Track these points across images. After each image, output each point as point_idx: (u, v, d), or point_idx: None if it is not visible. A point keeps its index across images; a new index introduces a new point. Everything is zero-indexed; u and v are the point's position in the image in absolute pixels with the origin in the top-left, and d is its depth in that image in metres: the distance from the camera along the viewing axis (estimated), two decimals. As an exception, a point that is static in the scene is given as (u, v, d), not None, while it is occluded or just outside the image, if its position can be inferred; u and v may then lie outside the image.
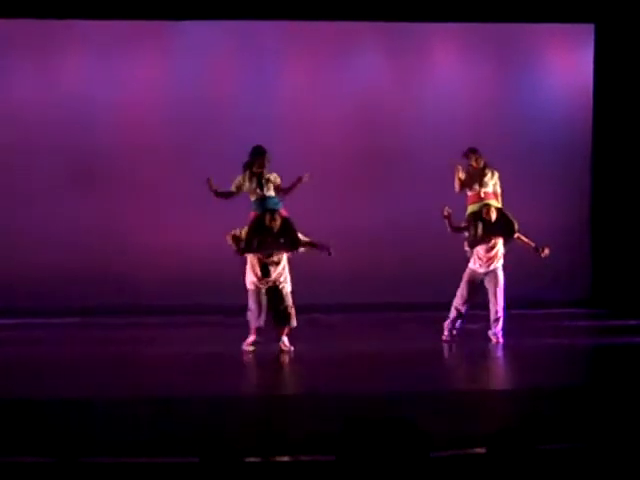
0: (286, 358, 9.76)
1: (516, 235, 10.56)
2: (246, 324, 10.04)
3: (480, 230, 10.33)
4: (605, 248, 13.98)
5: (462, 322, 10.51)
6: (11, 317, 12.31)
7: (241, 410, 7.53)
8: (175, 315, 12.58)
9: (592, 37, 13.89)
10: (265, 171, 10.12)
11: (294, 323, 9.90)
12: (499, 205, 10.64)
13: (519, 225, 10.67)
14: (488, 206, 10.48)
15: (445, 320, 10.54)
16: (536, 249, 10.61)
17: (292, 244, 9.90)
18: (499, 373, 9.65)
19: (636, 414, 6.83)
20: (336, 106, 13.69)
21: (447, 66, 13.98)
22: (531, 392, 7.89)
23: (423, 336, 11.08)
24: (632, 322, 12.33)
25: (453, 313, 10.45)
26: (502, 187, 10.83)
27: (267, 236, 9.81)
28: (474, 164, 10.67)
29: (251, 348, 9.93)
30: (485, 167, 10.69)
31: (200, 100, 13.49)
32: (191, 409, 7.49)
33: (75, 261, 13.14)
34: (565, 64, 14.06)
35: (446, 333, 10.48)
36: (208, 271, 12.70)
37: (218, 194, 10.13)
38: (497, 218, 10.45)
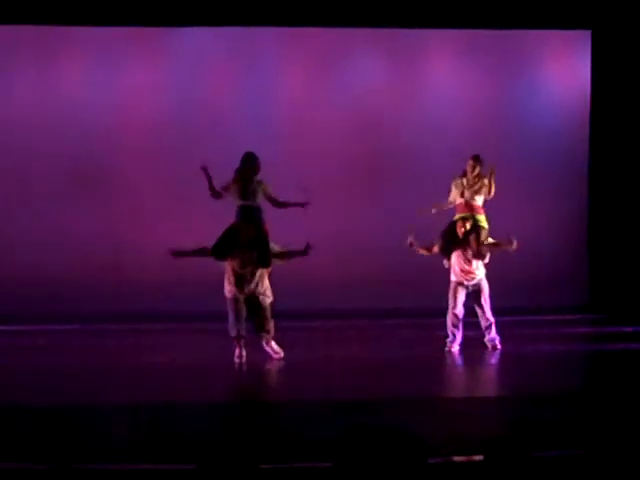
0: (278, 365, 9.69)
1: (483, 241, 10.39)
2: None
3: (449, 241, 10.29)
4: (603, 254, 13.99)
5: (460, 330, 10.41)
6: (8, 324, 12.28)
7: (238, 417, 7.51)
8: (174, 321, 12.56)
9: (589, 43, 13.91)
10: (255, 179, 9.91)
11: (271, 332, 9.70)
12: (478, 218, 10.48)
13: (488, 234, 10.52)
14: (464, 219, 10.36)
15: (445, 329, 10.47)
16: (508, 244, 10.47)
17: (263, 260, 9.61)
18: (496, 380, 9.63)
19: (633, 420, 6.82)
20: (334, 111, 13.70)
21: (445, 72, 14.00)
22: (528, 399, 7.88)
23: (420, 342, 11.07)
24: (630, 328, 12.32)
25: (449, 323, 10.39)
26: (495, 188, 10.67)
27: (238, 247, 9.57)
28: (469, 171, 10.55)
29: (238, 360, 9.74)
30: (478, 176, 10.56)
31: (199, 105, 13.51)
32: (188, 416, 7.48)
33: (74, 266, 13.14)
34: (562, 70, 14.08)
35: (449, 345, 10.37)
36: (208, 276, 12.67)
37: (211, 187, 9.87)
38: (468, 231, 10.31)
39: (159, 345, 11.17)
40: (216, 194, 9.93)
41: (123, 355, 10.47)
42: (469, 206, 10.47)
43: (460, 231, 10.31)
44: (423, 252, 10.50)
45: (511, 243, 10.43)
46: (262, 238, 9.65)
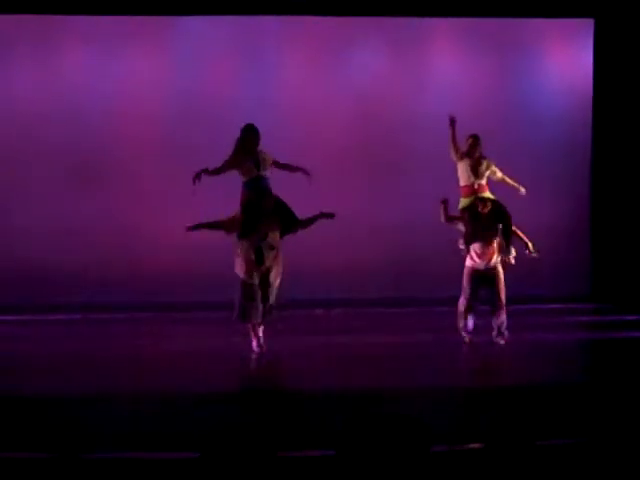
0: (280, 354, 9.67)
1: (513, 228, 10.36)
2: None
3: (476, 226, 10.08)
4: (606, 243, 13.97)
5: (474, 318, 10.33)
6: (13, 314, 12.30)
7: (241, 406, 7.53)
8: (178, 312, 12.56)
9: (592, 32, 13.87)
10: (260, 150, 9.73)
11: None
12: (492, 197, 10.41)
13: (513, 219, 10.45)
14: (482, 200, 10.21)
15: (455, 320, 10.42)
16: (527, 246, 10.40)
17: (291, 223, 9.55)
18: (499, 369, 9.64)
19: (636, 409, 6.83)
20: (336, 100, 13.69)
21: (446, 61, 13.97)
22: (531, 388, 7.89)
23: (423, 331, 11.06)
24: (633, 317, 12.32)
25: (461, 309, 10.28)
26: (502, 174, 10.63)
27: (262, 216, 9.40)
28: (471, 151, 10.43)
29: (257, 350, 9.61)
30: (480, 157, 10.51)
31: (200, 95, 13.49)
32: (192, 405, 7.49)
33: (76, 258, 13.14)
34: (565, 59, 14.05)
35: (463, 334, 10.30)
36: (211, 267, 12.69)
37: (208, 171, 9.56)
38: (491, 210, 10.17)
39: (167, 334, 11.19)
40: (217, 172, 9.62)
41: (132, 344, 10.48)
42: (481, 188, 10.36)
43: (485, 211, 10.08)
44: (447, 219, 10.22)
45: (534, 251, 10.35)
46: (283, 203, 9.54)
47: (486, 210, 10.10)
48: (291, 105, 13.67)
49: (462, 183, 10.51)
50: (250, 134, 9.65)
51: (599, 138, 13.95)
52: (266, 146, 13.10)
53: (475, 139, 10.52)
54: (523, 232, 10.64)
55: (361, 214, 13.38)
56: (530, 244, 10.50)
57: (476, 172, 10.44)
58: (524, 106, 14.03)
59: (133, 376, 8.77)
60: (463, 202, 10.43)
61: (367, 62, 13.84)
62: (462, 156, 10.49)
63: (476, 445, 5.50)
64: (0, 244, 13.18)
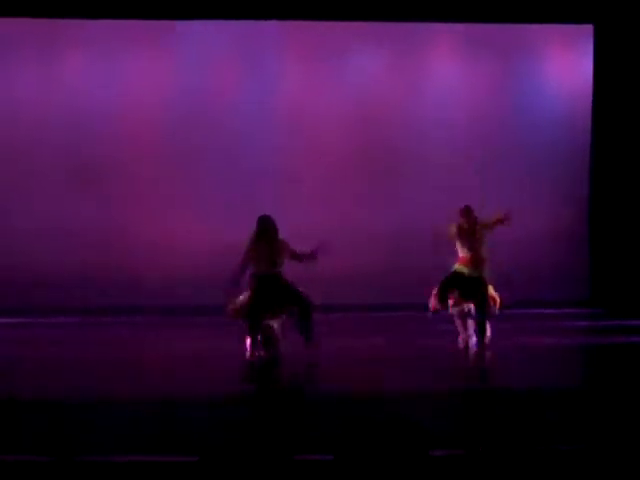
0: (282, 357, 9.68)
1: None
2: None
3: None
4: (604, 248, 13.98)
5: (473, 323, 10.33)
6: (13, 316, 12.31)
7: (240, 409, 7.52)
8: (178, 315, 12.57)
9: (591, 37, 13.89)
10: (278, 240, 9.48)
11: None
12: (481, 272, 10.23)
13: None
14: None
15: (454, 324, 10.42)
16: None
17: (296, 299, 9.51)
18: (497, 373, 9.63)
19: (635, 414, 6.83)
20: (335, 104, 13.71)
21: (445, 66, 13.99)
22: (529, 392, 7.88)
23: (421, 336, 11.06)
24: (630, 322, 12.33)
25: (457, 316, 10.30)
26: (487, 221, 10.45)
27: (267, 309, 9.44)
28: (465, 225, 10.20)
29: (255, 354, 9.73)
30: (475, 225, 10.25)
31: (201, 98, 13.51)
32: (190, 409, 7.49)
33: (77, 260, 13.15)
34: (564, 64, 14.07)
35: (461, 338, 10.31)
36: (210, 270, 12.69)
37: (235, 279, 9.44)
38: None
39: (168, 338, 11.19)
40: (241, 271, 9.50)
41: (132, 348, 10.48)
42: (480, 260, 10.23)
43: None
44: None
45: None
46: (290, 291, 9.43)
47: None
48: (291, 109, 13.69)
49: (460, 253, 10.27)
50: (264, 226, 9.42)
51: (598, 142, 13.96)
52: (267, 151, 13.20)
53: (467, 211, 10.29)
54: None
55: (360, 219, 13.40)
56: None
57: (471, 243, 10.22)
58: (524, 111, 14.04)
59: (133, 379, 8.77)
60: (459, 268, 10.23)
61: (367, 67, 13.85)
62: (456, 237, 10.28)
63: (475, 449, 5.50)
64: (0, 246, 13.17)
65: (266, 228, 9.38)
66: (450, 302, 10.12)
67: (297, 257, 9.47)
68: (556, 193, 13.92)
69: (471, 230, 10.10)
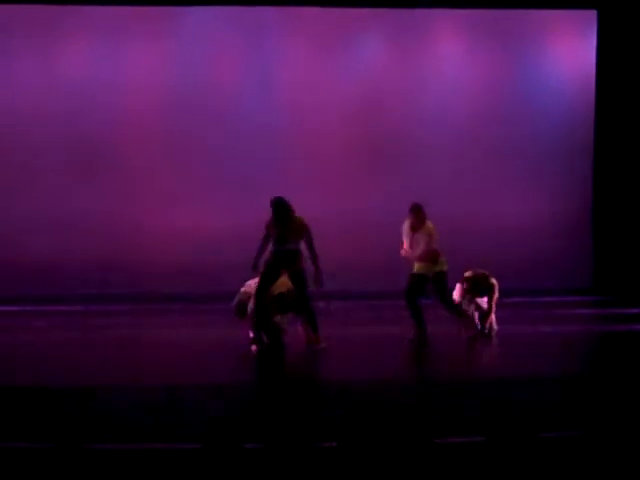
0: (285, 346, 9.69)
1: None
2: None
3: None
4: (607, 236, 13.96)
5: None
6: (17, 304, 12.33)
7: (243, 396, 7.53)
8: (185, 302, 12.56)
9: (595, 23, 13.85)
10: (294, 219, 9.58)
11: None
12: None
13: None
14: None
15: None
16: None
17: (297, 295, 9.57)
18: (500, 361, 9.63)
19: (638, 401, 6.83)
20: (336, 91, 13.66)
21: (448, 53, 13.95)
22: (533, 380, 7.88)
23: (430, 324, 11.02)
24: (634, 310, 12.31)
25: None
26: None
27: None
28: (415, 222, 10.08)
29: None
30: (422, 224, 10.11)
31: (203, 85, 13.47)
32: (194, 396, 7.50)
33: (81, 248, 13.14)
34: (568, 50, 14.02)
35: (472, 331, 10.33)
36: (218, 257, 12.69)
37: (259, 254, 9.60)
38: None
39: (172, 326, 11.19)
40: (264, 246, 9.66)
41: (135, 336, 10.48)
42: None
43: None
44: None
45: None
46: (300, 280, 9.53)
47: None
48: (292, 97, 13.65)
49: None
50: (276, 209, 9.54)
51: (602, 129, 13.92)
52: (268, 139, 13.17)
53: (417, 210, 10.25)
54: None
55: (361, 208, 13.36)
56: None
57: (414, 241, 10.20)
58: (527, 97, 14.00)
59: (136, 367, 8.78)
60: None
61: (368, 54, 13.82)
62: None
63: (478, 437, 5.50)
64: (3, 237, 13.17)
65: (278, 209, 9.48)
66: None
67: (309, 245, 9.52)
68: (559, 182, 13.90)
69: (417, 228, 10.05)
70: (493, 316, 10.25)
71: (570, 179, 13.92)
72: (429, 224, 10.03)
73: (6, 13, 13.10)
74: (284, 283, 9.52)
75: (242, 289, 9.70)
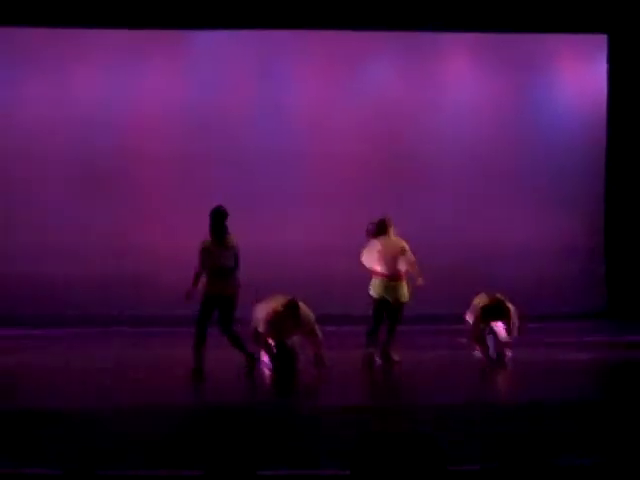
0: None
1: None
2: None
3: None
4: (620, 259, 13.88)
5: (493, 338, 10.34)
6: (14, 326, 12.33)
7: (253, 421, 7.47)
8: (186, 323, 12.47)
9: (605, 47, 13.84)
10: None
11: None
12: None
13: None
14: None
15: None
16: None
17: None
18: (513, 386, 9.57)
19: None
20: (350, 114, 13.65)
21: (461, 76, 13.94)
22: (546, 406, 7.82)
23: (439, 348, 10.98)
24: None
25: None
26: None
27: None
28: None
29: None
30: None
31: (213, 108, 13.48)
32: (199, 420, 7.46)
33: (82, 269, 13.13)
34: (579, 74, 14.01)
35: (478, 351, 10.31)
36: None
37: None
38: None
39: (171, 347, 11.14)
40: None
41: (137, 357, 10.44)
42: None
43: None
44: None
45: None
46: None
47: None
48: (305, 119, 13.64)
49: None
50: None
51: (613, 153, 13.89)
52: (281, 161, 13.18)
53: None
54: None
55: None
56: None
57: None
58: (538, 120, 13.98)
59: (143, 388, 8.75)
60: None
61: (381, 77, 13.81)
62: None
63: (490, 464, 5.44)
64: (6, 257, 13.18)
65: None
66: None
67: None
68: (572, 203, 13.84)
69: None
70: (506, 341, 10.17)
71: (582, 201, 13.85)
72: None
73: (20, 35, 13.15)
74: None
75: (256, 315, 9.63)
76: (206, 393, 9.19)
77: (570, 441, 6.35)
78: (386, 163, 13.62)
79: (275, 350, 9.48)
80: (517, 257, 13.51)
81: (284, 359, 9.50)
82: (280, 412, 8.10)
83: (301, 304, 9.48)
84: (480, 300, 10.14)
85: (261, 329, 9.45)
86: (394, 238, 10.35)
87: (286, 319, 9.35)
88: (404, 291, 10.22)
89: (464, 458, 5.70)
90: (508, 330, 10.09)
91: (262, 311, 9.54)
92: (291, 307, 9.36)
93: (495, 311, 10.07)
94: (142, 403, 8.05)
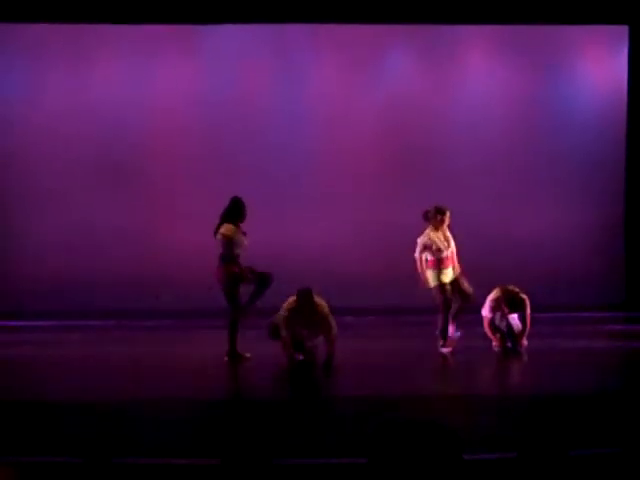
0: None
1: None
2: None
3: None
4: (639, 250, 13.83)
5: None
6: (25, 320, 12.40)
7: (272, 412, 7.51)
8: (204, 317, 12.53)
9: (626, 39, 13.76)
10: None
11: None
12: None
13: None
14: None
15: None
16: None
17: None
18: (531, 377, 9.56)
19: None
20: (367, 108, 13.65)
21: (479, 68, 13.90)
22: (565, 397, 7.82)
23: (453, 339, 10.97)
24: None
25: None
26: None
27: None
28: (440, 224, 10.31)
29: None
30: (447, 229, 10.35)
31: (230, 103, 13.49)
32: (217, 411, 7.49)
33: (96, 264, 13.18)
34: (599, 66, 13.94)
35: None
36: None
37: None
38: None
39: (189, 341, 11.18)
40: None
41: (161, 350, 10.49)
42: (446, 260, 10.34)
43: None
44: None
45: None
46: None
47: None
48: (322, 113, 13.64)
49: (429, 257, 10.33)
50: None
51: (634, 145, 13.82)
52: (298, 156, 13.19)
53: (442, 212, 10.36)
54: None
55: (394, 223, 13.24)
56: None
57: (440, 244, 10.32)
58: (557, 113, 13.93)
59: (162, 381, 8.79)
60: (431, 274, 10.29)
61: (399, 70, 13.79)
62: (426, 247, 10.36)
63: (507, 454, 5.45)
64: (19, 252, 13.25)
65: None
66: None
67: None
68: (591, 196, 13.79)
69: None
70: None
71: (602, 193, 13.81)
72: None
73: (35, 32, 13.20)
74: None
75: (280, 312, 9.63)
76: (223, 385, 9.22)
77: (587, 432, 6.34)
78: (403, 157, 13.60)
79: (292, 348, 9.47)
80: (534, 248, 13.48)
81: (303, 355, 9.54)
82: (295, 403, 8.14)
83: (315, 294, 9.50)
84: (495, 294, 10.18)
85: (279, 324, 9.46)
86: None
87: (301, 309, 9.36)
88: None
89: (481, 447, 5.71)
90: (523, 321, 10.14)
91: (281, 309, 9.55)
92: (304, 295, 9.37)
93: (510, 303, 10.11)
94: (159, 395, 8.09)
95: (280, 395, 8.67)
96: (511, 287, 10.22)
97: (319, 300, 9.49)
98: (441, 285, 10.26)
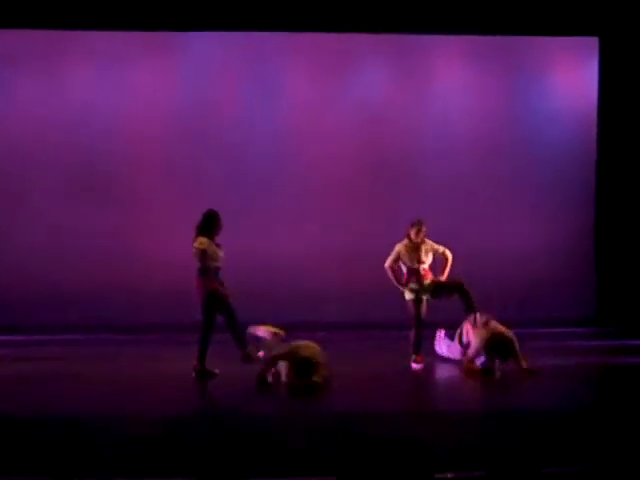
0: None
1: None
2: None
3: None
4: (610, 265, 13.87)
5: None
6: (16, 333, 12.28)
7: (240, 429, 7.42)
8: (181, 332, 12.40)
9: (596, 50, 13.84)
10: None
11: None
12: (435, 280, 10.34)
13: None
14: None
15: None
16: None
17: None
18: (502, 393, 9.51)
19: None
20: (341, 116, 13.64)
21: (452, 79, 13.92)
22: (535, 413, 7.78)
23: (427, 355, 10.93)
24: (637, 341, 12.21)
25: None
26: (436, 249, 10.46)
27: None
28: (413, 237, 10.26)
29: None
30: (423, 241, 10.31)
31: (206, 110, 13.45)
32: (190, 428, 7.40)
33: (84, 276, 13.07)
34: (570, 77, 14.01)
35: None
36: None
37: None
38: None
39: (170, 356, 11.07)
40: None
41: (135, 366, 10.38)
42: (425, 272, 10.31)
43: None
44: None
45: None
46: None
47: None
48: (296, 121, 13.61)
49: (403, 268, 10.32)
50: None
51: (604, 157, 13.88)
52: (273, 165, 13.13)
53: (419, 224, 10.33)
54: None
55: (366, 235, 13.23)
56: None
57: (419, 257, 10.28)
58: (528, 123, 13.97)
59: (147, 398, 8.69)
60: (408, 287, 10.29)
61: (372, 80, 13.78)
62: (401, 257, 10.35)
63: (476, 472, 5.39)
64: (6, 263, 13.11)
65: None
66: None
67: None
68: (562, 209, 13.83)
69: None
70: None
71: (573, 207, 13.84)
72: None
73: (11, 38, 13.10)
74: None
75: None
76: (198, 401, 9.12)
77: (558, 449, 6.30)
78: (378, 166, 13.60)
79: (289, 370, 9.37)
80: (508, 261, 13.48)
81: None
82: (268, 420, 8.05)
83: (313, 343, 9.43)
84: (483, 333, 10.03)
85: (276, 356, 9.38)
86: None
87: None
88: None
89: (452, 465, 5.65)
90: (519, 364, 9.91)
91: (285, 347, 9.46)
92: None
93: (499, 347, 9.98)
94: (132, 411, 7.98)
95: (248, 412, 8.57)
96: (499, 328, 10.09)
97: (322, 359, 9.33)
98: (415, 300, 10.21)
